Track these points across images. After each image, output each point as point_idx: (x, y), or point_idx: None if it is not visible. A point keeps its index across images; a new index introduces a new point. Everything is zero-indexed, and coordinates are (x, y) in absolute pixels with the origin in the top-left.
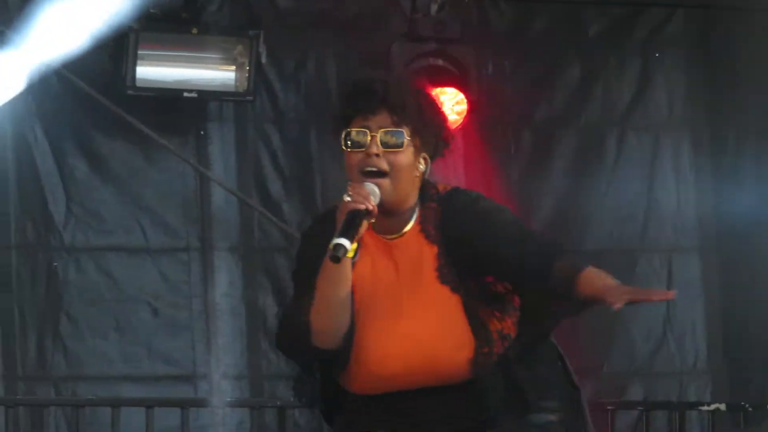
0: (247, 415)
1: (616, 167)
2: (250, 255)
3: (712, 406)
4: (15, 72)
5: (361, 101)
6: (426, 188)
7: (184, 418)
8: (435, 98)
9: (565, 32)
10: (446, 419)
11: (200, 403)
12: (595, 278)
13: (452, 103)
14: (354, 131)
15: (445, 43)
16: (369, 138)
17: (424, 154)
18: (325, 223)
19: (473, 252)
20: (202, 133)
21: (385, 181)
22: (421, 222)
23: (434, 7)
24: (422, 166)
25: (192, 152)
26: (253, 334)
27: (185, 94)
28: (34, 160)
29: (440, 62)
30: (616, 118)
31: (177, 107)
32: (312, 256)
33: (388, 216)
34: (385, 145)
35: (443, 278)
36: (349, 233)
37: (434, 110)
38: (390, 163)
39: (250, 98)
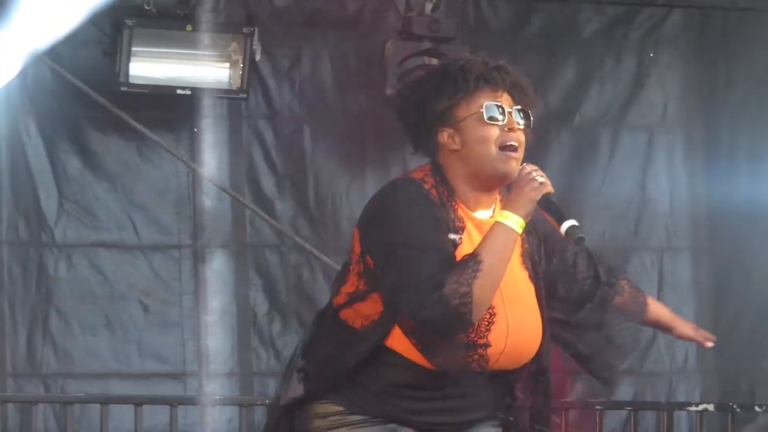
0: (237, 413)
1: (609, 166)
2: (242, 252)
3: (701, 407)
4: (6, 58)
5: (494, 77)
6: None
7: (173, 415)
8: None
9: (561, 31)
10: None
11: (189, 401)
12: (662, 311)
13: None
14: (491, 104)
15: (440, 42)
16: (506, 114)
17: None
18: (419, 192)
19: (547, 256)
20: (195, 129)
21: (518, 157)
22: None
23: (429, 6)
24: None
25: (185, 149)
26: (243, 331)
27: (178, 91)
28: (26, 157)
29: (435, 61)
30: (611, 117)
31: (171, 104)
32: (427, 225)
33: (490, 191)
34: (524, 118)
35: (525, 264)
36: (563, 212)
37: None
38: (519, 141)
39: (243, 96)
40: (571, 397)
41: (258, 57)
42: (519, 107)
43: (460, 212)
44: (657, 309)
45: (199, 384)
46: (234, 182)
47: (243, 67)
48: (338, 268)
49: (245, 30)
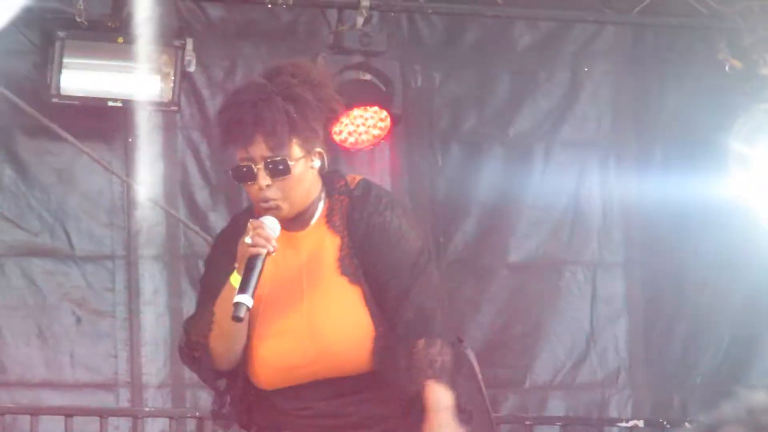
0: (168, 425)
1: (543, 180)
2: (175, 263)
3: (631, 423)
4: None
5: (235, 133)
6: (334, 180)
7: (104, 427)
8: (312, 72)
9: (494, 46)
10: (347, 412)
11: (120, 413)
12: (431, 400)
13: (375, 120)
14: (239, 166)
15: (371, 56)
16: (255, 170)
17: (316, 150)
18: (237, 227)
19: (371, 259)
20: (129, 140)
21: (283, 208)
22: (328, 213)
23: (360, 20)
24: (317, 163)
25: (119, 159)
26: (176, 342)
27: (110, 103)
28: None
29: (367, 76)
30: (544, 131)
31: (105, 114)
32: (218, 267)
33: (293, 219)
34: (272, 175)
35: (344, 269)
36: (250, 285)
37: (316, 93)
38: (281, 189)
39: (174, 108)
40: (502, 411)
41: (192, 68)
42: (270, 158)
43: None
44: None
45: (131, 395)
46: (168, 193)
47: (174, 80)
48: None
49: (176, 42)
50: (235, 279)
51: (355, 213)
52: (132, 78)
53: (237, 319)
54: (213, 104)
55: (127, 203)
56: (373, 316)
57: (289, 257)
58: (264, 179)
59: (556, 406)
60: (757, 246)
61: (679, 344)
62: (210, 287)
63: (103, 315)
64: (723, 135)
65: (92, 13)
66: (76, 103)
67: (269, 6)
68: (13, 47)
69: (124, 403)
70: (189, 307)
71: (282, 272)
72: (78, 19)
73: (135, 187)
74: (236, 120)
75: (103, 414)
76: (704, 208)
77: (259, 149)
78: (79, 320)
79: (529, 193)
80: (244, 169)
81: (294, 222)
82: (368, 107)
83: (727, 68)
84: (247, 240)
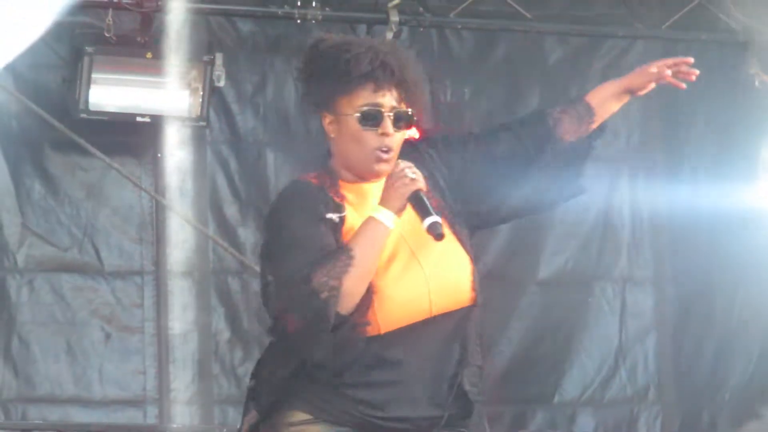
0: None
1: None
2: (204, 279)
3: None
4: None
5: (376, 74)
6: None
7: None
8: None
9: (525, 60)
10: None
11: (149, 429)
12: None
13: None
14: (368, 109)
15: None
16: (383, 117)
17: None
18: (302, 185)
19: (446, 180)
20: (159, 155)
21: (390, 163)
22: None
23: (389, 35)
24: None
25: (148, 174)
26: (204, 359)
27: (138, 119)
28: None
29: None
30: None
31: (134, 129)
32: (305, 219)
33: (368, 181)
34: (396, 126)
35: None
36: (430, 208)
37: (424, 81)
38: (390, 145)
39: (203, 123)
40: (531, 427)
41: (222, 83)
42: (398, 110)
43: (342, 189)
44: (597, 92)
45: (159, 412)
46: (197, 208)
47: (203, 95)
48: None
49: (205, 58)
50: (380, 212)
51: (420, 155)
52: (161, 93)
53: (440, 236)
54: (243, 119)
55: (156, 219)
56: (466, 249)
57: (371, 208)
58: (390, 127)
59: (585, 422)
60: None
61: (708, 360)
62: (309, 237)
63: (132, 331)
64: (753, 150)
65: (121, 29)
66: (105, 118)
67: (299, 21)
68: (42, 62)
69: (152, 419)
70: (218, 322)
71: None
72: (107, 35)
73: (164, 202)
74: (381, 64)
75: (131, 430)
76: (733, 224)
77: (392, 99)
78: (108, 336)
79: (558, 208)
80: (374, 112)
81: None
82: None
83: (757, 83)
84: (410, 174)
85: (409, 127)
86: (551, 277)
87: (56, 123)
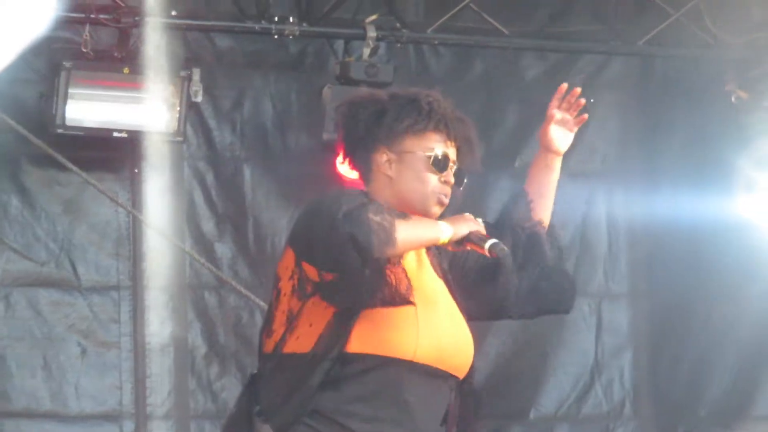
0: None
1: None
2: (181, 294)
3: None
4: None
5: (449, 129)
6: None
7: None
8: None
9: (502, 77)
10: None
11: None
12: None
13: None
14: (444, 153)
15: (377, 87)
16: (449, 166)
17: None
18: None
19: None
20: (136, 170)
21: (444, 207)
22: None
23: (366, 51)
24: None
25: (125, 189)
26: (181, 373)
27: (115, 134)
28: None
29: None
30: None
31: (111, 144)
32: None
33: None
34: (455, 178)
35: (438, 273)
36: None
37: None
38: (449, 195)
39: (179, 139)
40: None
41: (199, 98)
42: (458, 167)
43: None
44: (532, 176)
45: (135, 427)
46: (174, 223)
47: (180, 110)
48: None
49: (182, 73)
50: (444, 224)
51: None
52: (138, 108)
53: (503, 252)
54: (220, 134)
55: (133, 234)
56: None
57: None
58: (452, 177)
59: None
60: (763, 278)
61: (684, 376)
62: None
63: (109, 346)
64: (730, 164)
65: (98, 44)
66: (82, 133)
67: (276, 37)
68: (19, 77)
69: None
70: (194, 338)
71: (423, 272)
72: (84, 50)
73: (141, 217)
74: (458, 118)
75: None
76: (711, 240)
77: (453, 153)
78: (84, 351)
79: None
80: (444, 159)
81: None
82: None
83: (733, 99)
84: (480, 221)
85: (458, 185)
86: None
87: (33, 138)
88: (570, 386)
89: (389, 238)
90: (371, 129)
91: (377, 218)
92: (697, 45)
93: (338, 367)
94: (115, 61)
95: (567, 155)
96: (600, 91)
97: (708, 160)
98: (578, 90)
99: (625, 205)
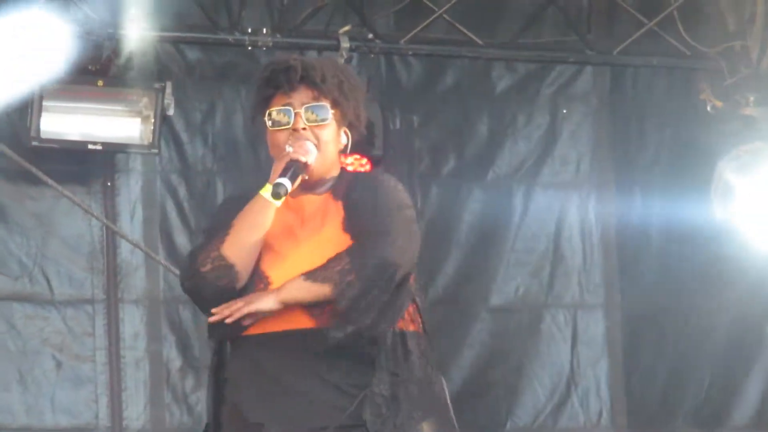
0: None
1: (523, 222)
2: (155, 307)
3: None
4: None
5: (280, 78)
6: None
7: None
8: (352, 73)
9: (473, 88)
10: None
11: None
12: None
13: (356, 166)
14: (276, 110)
15: None
16: (293, 115)
17: (344, 128)
18: (244, 192)
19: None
20: (109, 184)
21: (313, 157)
22: (334, 187)
23: (340, 61)
24: (344, 139)
25: (98, 202)
26: (156, 386)
27: (90, 147)
28: None
29: None
30: (524, 173)
31: (85, 157)
32: (230, 213)
33: (311, 189)
34: (309, 120)
35: (347, 228)
36: (289, 174)
37: (352, 83)
38: (316, 137)
39: (155, 151)
40: None
41: (171, 111)
42: (311, 104)
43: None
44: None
45: None
46: (147, 237)
47: (154, 123)
48: None
49: (156, 85)
50: (266, 190)
51: (354, 186)
52: (112, 121)
53: (277, 195)
54: (192, 147)
55: (107, 247)
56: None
57: (291, 215)
58: (301, 122)
59: None
60: (737, 288)
61: (660, 386)
62: (219, 224)
63: (84, 359)
64: (705, 173)
65: (72, 57)
66: (56, 146)
67: (249, 48)
68: None
69: None
70: (169, 351)
71: (282, 226)
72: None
73: (115, 229)
74: (283, 68)
75: None
76: (685, 249)
77: (301, 96)
78: (59, 365)
79: (509, 235)
80: (282, 113)
81: (305, 186)
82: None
83: (708, 108)
84: (288, 148)
85: (326, 120)
86: (502, 304)
87: (7, 151)
88: (546, 397)
89: (225, 274)
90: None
91: (207, 264)
92: (671, 54)
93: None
94: (89, 73)
95: (539, 166)
96: (572, 102)
97: (682, 169)
98: None
99: (599, 216)
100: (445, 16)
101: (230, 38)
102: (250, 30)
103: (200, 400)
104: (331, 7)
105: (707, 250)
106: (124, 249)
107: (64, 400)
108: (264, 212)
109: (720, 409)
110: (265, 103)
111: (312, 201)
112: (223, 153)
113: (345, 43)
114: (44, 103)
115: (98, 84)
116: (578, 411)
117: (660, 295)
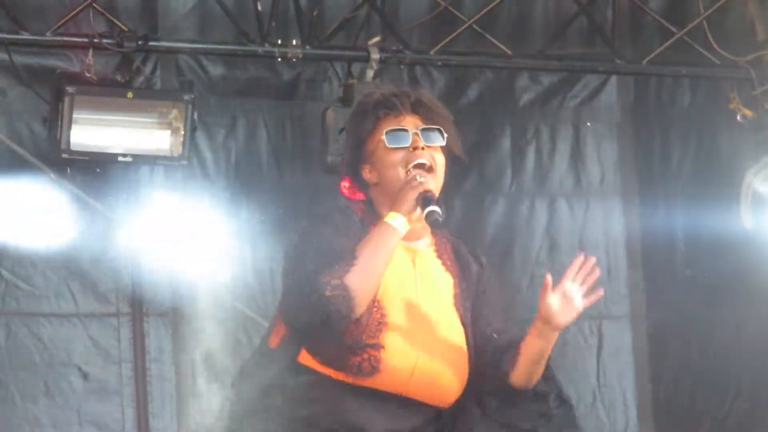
0: None
1: (547, 235)
2: (180, 320)
3: None
4: None
5: (393, 102)
6: None
7: None
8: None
9: (497, 100)
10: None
11: None
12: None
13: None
14: (395, 128)
15: None
16: (411, 135)
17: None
18: (338, 206)
19: (481, 309)
20: (133, 198)
21: (434, 172)
22: (437, 248)
23: (370, 73)
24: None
25: (122, 217)
26: (182, 398)
27: (120, 158)
28: None
29: None
30: (548, 186)
31: (107, 173)
32: (333, 235)
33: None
34: (427, 141)
35: (457, 306)
36: (433, 202)
37: (451, 118)
38: (432, 159)
39: (185, 162)
40: None
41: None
42: (426, 126)
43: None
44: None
45: None
46: (173, 249)
47: (184, 134)
48: None
49: (186, 97)
50: (392, 218)
51: (461, 258)
52: (141, 133)
53: (435, 223)
54: (214, 163)
55: (132, 261)
56: (469, 358)
57: (407, 269)
58: (420, 142)
59: None
60: (764, 298)
61: (686, 396)
62: (331, 251)
63: (110, 372)
64: (733, 183)
65: (101, 69)
66: (86, 158)
67: (279, 59)
68: (23, 103)
69: None
70: (194, 363)
71: (400, 278)
72: (87, 75)
73: (139, 244)
74: (395, 93)
75: None
76: (710, 260)
77: (415, 120)
78: (85, 377)
79: (533, 248)
80: (400, 131)
81: (413, 227)
82: None
83: (738, 117)
84: (420, 179)
85: (443, 143)
86: (527, 316)
87: (37, 163)
88: None
89: (345, 304)
90: (350, 157)
91: (327, 290)
92: (700, 64)
93: (291, 372)
94: (119, 85)
95: (563, 178)
96: (596, 115)
97: (710, 179)
98: (593, 259)
99: (624, 226)
100: (474, 26)
101: (260, 50)
102: (279, 41)
103: (225, 412)
104: (360, 18)
105: (733, 260)
106: (149, 262)
107: (91, 413)
108: (392, 241)
109: (746, 419)
110: (373, 125)
111: (419, 256)
112: (246, 168)
113: (375, 55)
114: (74, 115)
115: (128, 96)
116: (604, 421)
117: (686, 306)
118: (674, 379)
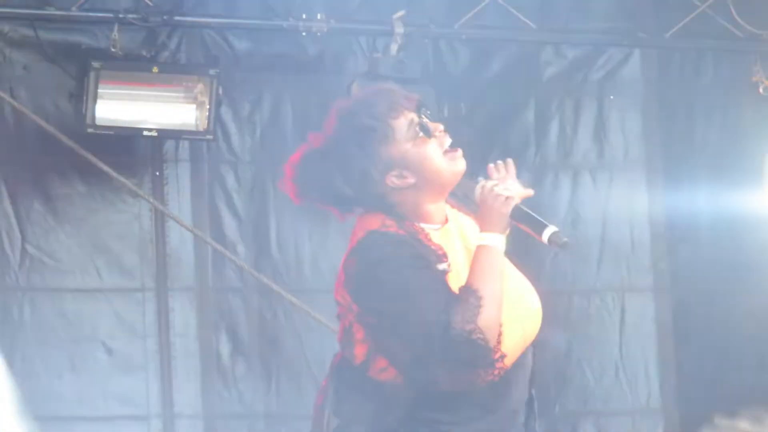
0: None
1: (570, 208)
2: (205, 295)
3: None
4: None
5: (400, 102)
6: None
7: None
8: None
9: (521, 74)
10: None
11: None
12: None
13: None
14: (422, 121)
15: (405, 83)
16: (435, 124)
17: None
18: (393, 240)
19: None
20: (157, 173)
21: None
22: (457, 221)
23: (394, 47)
24: None
25: (148, 193)
26: (207, 373)
27: (145, 133)
28: None
29: None
30: (572, 159)
31: (132, 148)
32: (418, 266)
33: (440, 200)
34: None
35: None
36: (541, 220)
37: None
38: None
39: (210, 137)
40: None
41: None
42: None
43: (435, 239)
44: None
45: (163, 426)
46: (197, 226)
47: (209, 109)
48: (305, 308)
49: (211, 71)
50: (488, 238)
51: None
52: (167, 107)
53: (565, 245)
54: (240, 138)
55: (156, 236)
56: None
57: (467, 255)
58: (440, 125)
59: (587, 431)
60: None
61: (709, 368)
62: (428, 286)
63: (134, 347)
64: (757, 156)
65: (126, 43)
66: (111, 133)
67: (303, 34)
68: (49, 78)
69: None
70: (219, 338)
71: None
72: (113, 49)
73: (169, 214)
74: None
75: None
76: (734, 233)
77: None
78: (110, 353)
79: (557, 220)
80: (419, 123)
81: (437, 209)
82: None
83: (761, 90)
84: (505, 193)
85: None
86: (551, 288)
87: (64, 138)
88: (594, 381)
89: (484, 343)
90: (366, 172)
91: (464, 336)
92: (723, 37)
93: None
94: (144, 60)
95: (587, 151)
96: (620, 88)
97: (734, 152)
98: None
99: (648, 200)
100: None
101: (284, 24)
102: (304, 16)
103: (250, 387)
104: None
105: (757, 234)
106: (173, 238)
107: (116, 388)
108: (501, 263)
109: None
110: (389, 131)
111: (448, 236)
112: (271, 143)
113: (399, 28)
114: (99, 90)
115: (153, 70)
116: (627, 394)
117: (709, 279)
118: (697, 352)
